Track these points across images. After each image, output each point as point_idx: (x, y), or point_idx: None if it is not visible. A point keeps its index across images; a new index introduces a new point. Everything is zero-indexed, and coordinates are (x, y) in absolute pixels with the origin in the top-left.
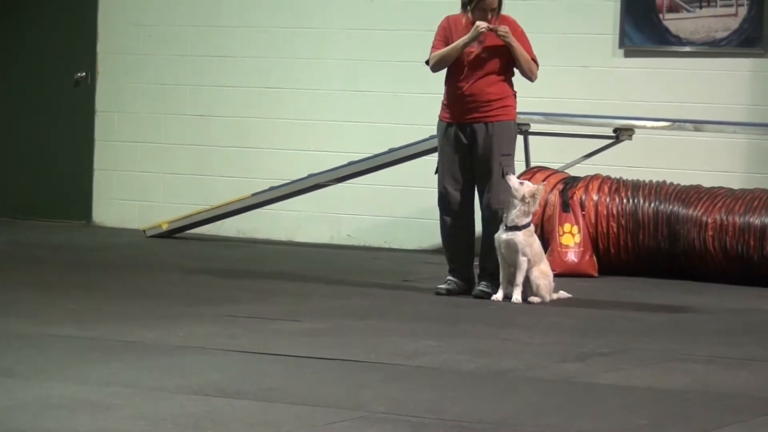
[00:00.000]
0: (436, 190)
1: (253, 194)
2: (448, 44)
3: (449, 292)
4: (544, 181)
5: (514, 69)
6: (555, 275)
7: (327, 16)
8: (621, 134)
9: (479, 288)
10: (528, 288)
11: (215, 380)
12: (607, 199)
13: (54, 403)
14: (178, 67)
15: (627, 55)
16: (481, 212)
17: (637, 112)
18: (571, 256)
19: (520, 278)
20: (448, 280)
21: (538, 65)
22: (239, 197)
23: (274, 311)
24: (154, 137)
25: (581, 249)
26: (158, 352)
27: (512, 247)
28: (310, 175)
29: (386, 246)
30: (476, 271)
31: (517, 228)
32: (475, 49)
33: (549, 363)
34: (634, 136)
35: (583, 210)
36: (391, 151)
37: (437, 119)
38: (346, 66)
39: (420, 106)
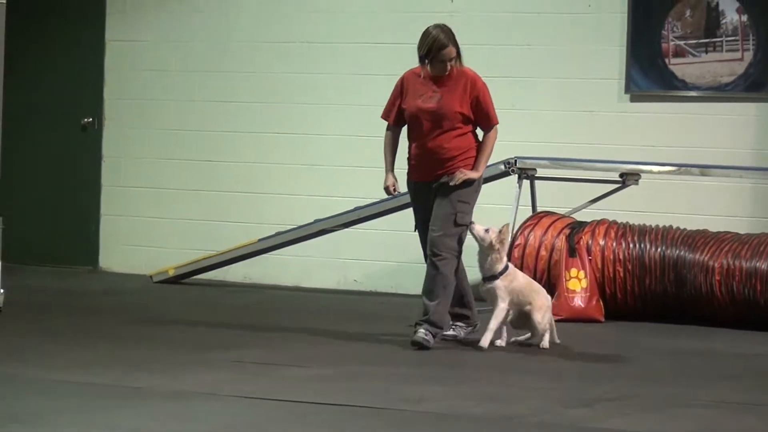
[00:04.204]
0: (411, 234)
1: (260, 240)
2: (400, 102)
3: (455, 338)
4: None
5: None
6: (561, 320)
7: (334, 61)
8: (627, 179)
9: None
10: (533, 330)
11: (223, 426)
12: (614, 244)
13: None
14: (184, 112)
15: (633, 99)
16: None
17: (643, 156)
18: (578, 301)
19: (493, 323)
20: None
21: (496, 123)
22: (246, 242)
23: (281, 357)
24: (160, 182)
25: (588, 294)
26: (166, 398)
27: (494, 295)
28: (316, 221)
29: (393, 291)
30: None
31: (494, 277)
32: (431, 105)
33: (556, 408)
34: (640, 180)
35: (589, 255)
36: (398, 195)
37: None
38: (352, 111)
39: None
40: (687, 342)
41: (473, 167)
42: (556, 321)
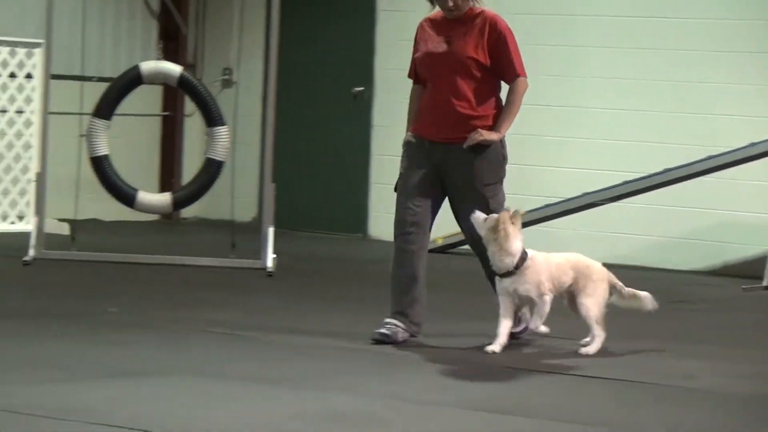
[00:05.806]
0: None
1: (528, 211)
2: (417, 53)
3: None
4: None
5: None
6: None
7: (590, 33)
8: None
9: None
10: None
11: (490, 396)
12: None
13: (326, 415)
14: None
15: None
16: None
17: None
18: None
19: (541, 311)
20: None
21: (522, 74)
22: None
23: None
24: None
25: None
26: (434, 367)
27: (522, 296)
28: (584, 194)
29: (659, 267)
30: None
31: (509, 273)
32: (440, 49)
33: None
34: None
35: None
36: (666, 171)
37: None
38: (622, 84)
39: (696, 125)
40: None
41: (494, 128)
42: None
